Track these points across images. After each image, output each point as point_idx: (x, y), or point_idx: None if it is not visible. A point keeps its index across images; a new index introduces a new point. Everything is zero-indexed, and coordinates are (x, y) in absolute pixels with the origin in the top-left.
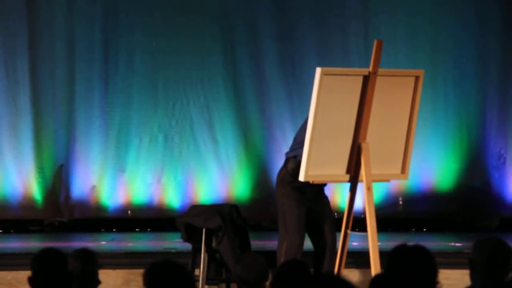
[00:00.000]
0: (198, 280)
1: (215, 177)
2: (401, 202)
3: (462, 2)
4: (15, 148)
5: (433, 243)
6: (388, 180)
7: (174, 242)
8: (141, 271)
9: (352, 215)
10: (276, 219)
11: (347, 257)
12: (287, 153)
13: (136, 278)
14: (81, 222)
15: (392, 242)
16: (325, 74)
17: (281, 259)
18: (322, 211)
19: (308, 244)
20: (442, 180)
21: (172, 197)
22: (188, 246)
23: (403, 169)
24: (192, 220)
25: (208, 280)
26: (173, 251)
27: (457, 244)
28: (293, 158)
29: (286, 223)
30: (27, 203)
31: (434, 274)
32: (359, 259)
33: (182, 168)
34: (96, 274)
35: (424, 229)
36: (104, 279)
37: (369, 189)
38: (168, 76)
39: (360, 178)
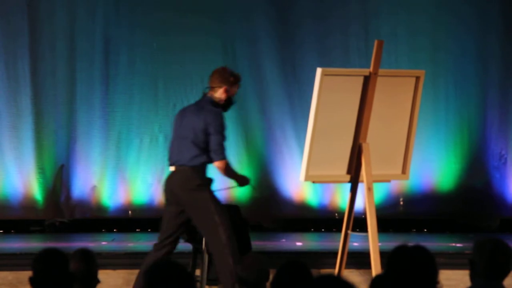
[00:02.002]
0: (198, 281)
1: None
2: (401, 203)
3: (463, 2)
4: (16, 149)
5: (434, 243)
6: (388, 181)
7: None
8: None
9: (353, 215)
10: (276, 220)
11: (347, 257)
12: (181, 161)
13: None
14: (82, 223)
15: (393, 242)
16: (326, 75)
17: (230, 260)
18: None
19: (311, 244)
20: (443, 180)
21: None
22: (188, 246)
23: (404, 170)
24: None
25: (208, 281)
26: (174, 251)
27: (458, 245)
28: (201, 164)
29: (218, 226)
30: (28, 204)
31: (435, 275)
32: (359, 259)
33: None
34: (96, 274)
35: (425, 230)
36: (105, 279)
37: (369, 189)
38: (169, 76)
39: (360, 179)
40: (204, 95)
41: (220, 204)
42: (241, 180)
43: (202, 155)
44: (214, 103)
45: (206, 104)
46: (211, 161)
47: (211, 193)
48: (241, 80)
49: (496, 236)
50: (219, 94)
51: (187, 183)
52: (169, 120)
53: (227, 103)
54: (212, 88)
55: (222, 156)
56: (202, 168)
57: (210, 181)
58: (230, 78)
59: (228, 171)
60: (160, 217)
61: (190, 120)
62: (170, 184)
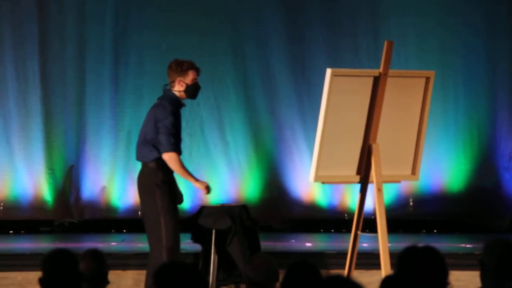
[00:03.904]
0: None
1: (225, 178)
2: (411, 203)
3: (471, 4)
4: (25, 149)
5: (444, 244)
6: (398, 181)
7: (184, 243)
8: None
9: (363, 216)
10: (285, 220)
11: (357, 258)
12: (140, 158)
13: None
14: (91, 223)
15: (403, 243)
16: (335, 75)
17: (171, 241)
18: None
19: (321, 245)
20: (453, 181)
21: None
22: (198, 247)
23: (414, 170)
24: (202, 221)
25: (218, 281)
26: (183, 252)
27: (468, 245)
28: (155, 161)
29: (161, 226)
30: (38, 204)
31: (445, 275)
32: (369, 260)
33: (193, 169)
34: (106, 275)
35: (435, 230)
36: (115, 279)
37: (379, 190)
38: None
39: (370, 179)
40: (165, 91)
41: (171, 205)
42: (197, 183)
43: (154, 151)
44: (173, 99)
45: (163, 100)
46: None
47: (163, 192)
48: (193, 65)
49: (506, 237)
50: (178, 87)
51: (146, 179)
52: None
53: (191, 90)
54: (170, 84)
55: (168, 148)
56: (159, 164)
57: (167, 179)
58: (178, 69)
59: (176, 166)
60: None
61: (146, 117)
62: (137, 181)
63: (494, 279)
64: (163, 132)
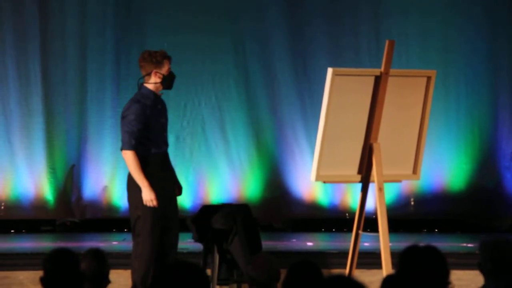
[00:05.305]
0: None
1: (226, 177)
2: (412, 203)
3: (473, 3)
4: (27, 149)
5: (445, 243)
6: (399, 181)
7: (185, 243)
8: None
9: (364, 215)
10: (287, 220)
11: (358, 257)
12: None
13: None
14: (93, 222)
15: (404, 242)
16: (337, 75)
17: (143, 266)
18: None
19: (322, 244)
20: (454, 180)
21: (183, 197)
22: (199, 246)
23: (415, 170)
24: (203, 220)
25: (219, 281)
26: (185, 251)
27: (469, 245)
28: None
29: (138, 219)
30: (39, 204)
31: (446, 275)
32: (370, 259)
33: (194, 168)
34: (107, 274)
35: (436, 230)
36: (116, 279)
37: (380, 189)
38: (180, 76)
39: (371, 179)
40: (139, 87)
41: (151, 209)
42: (148, 190)
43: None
44: (145, 96)
45: (133, 98)
46: (145, 152)
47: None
48: (166, 55)
49: (500, 236)
50: (153, 79)
51: (129, 179)
52: (180, 120)
53: (167, 81)
54: (145, 78)
55: (125, 146)
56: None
57: (151, 176)
58: (154, 60)
59: (131, 165)
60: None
61: None
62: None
63: (495, 278)
64: (124, 130)
